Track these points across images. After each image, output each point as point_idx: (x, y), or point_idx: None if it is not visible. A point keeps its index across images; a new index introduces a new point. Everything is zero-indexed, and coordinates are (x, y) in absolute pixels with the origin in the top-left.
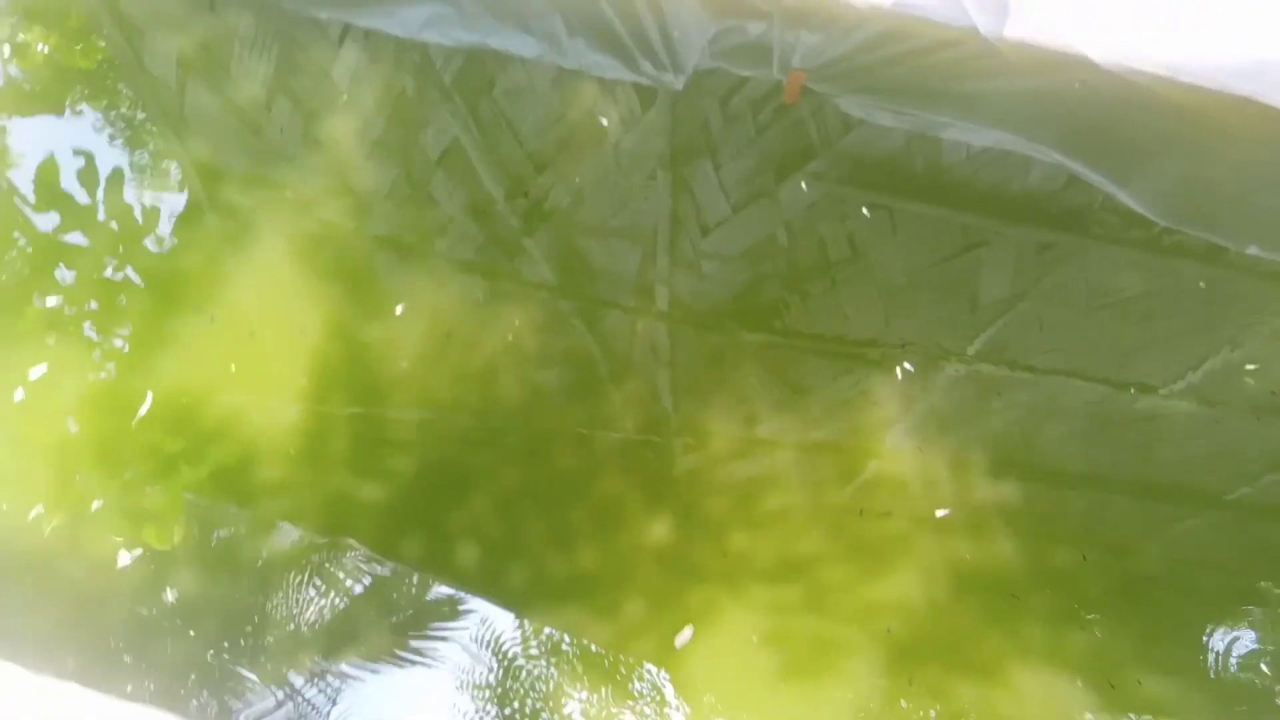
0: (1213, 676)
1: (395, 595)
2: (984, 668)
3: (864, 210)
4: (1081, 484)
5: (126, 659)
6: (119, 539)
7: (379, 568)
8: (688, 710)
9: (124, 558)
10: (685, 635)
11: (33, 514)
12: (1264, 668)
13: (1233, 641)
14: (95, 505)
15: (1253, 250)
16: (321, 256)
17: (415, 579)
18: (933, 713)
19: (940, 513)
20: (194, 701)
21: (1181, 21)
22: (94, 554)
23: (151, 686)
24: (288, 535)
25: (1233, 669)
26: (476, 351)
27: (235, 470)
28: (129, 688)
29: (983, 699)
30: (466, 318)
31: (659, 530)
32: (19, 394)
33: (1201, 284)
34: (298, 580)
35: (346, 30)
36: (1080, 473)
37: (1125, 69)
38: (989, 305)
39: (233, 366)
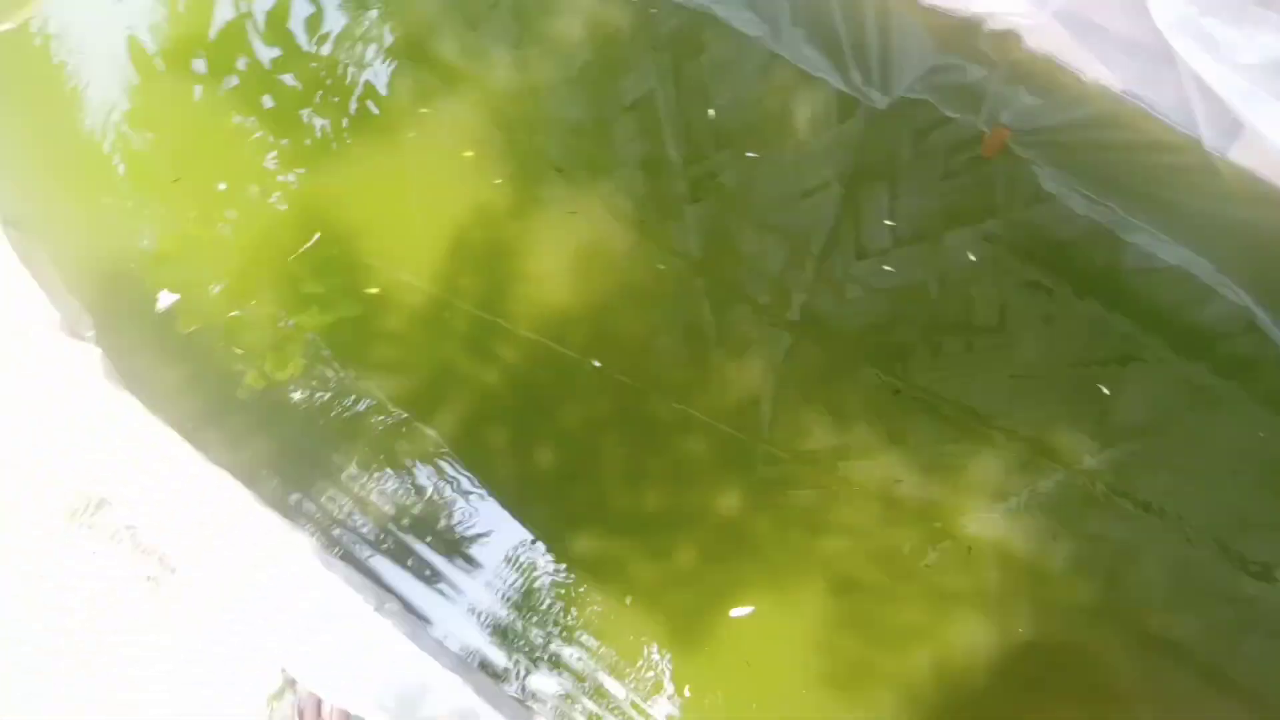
0: None
1: (454, 490)
2: None
3: (1025, 285)
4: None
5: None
6: (239, 351)
7: (450, 464)
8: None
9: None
10: (743, 611)
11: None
12: None
13: None
14: (233, 314)
15: None
16: (493, 155)
17: (481, 477)
18: None
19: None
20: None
21: None
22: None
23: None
24: (380, 407)
25: None
26: (602, 293)
27: (356, 327)
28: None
29: None
30: (605, 261)
31: (725, 502)
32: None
33: None
34: (370, 452)
35: None
36: (1158, 639)
37: None
38: (1121, 426)
39: (386, 236)
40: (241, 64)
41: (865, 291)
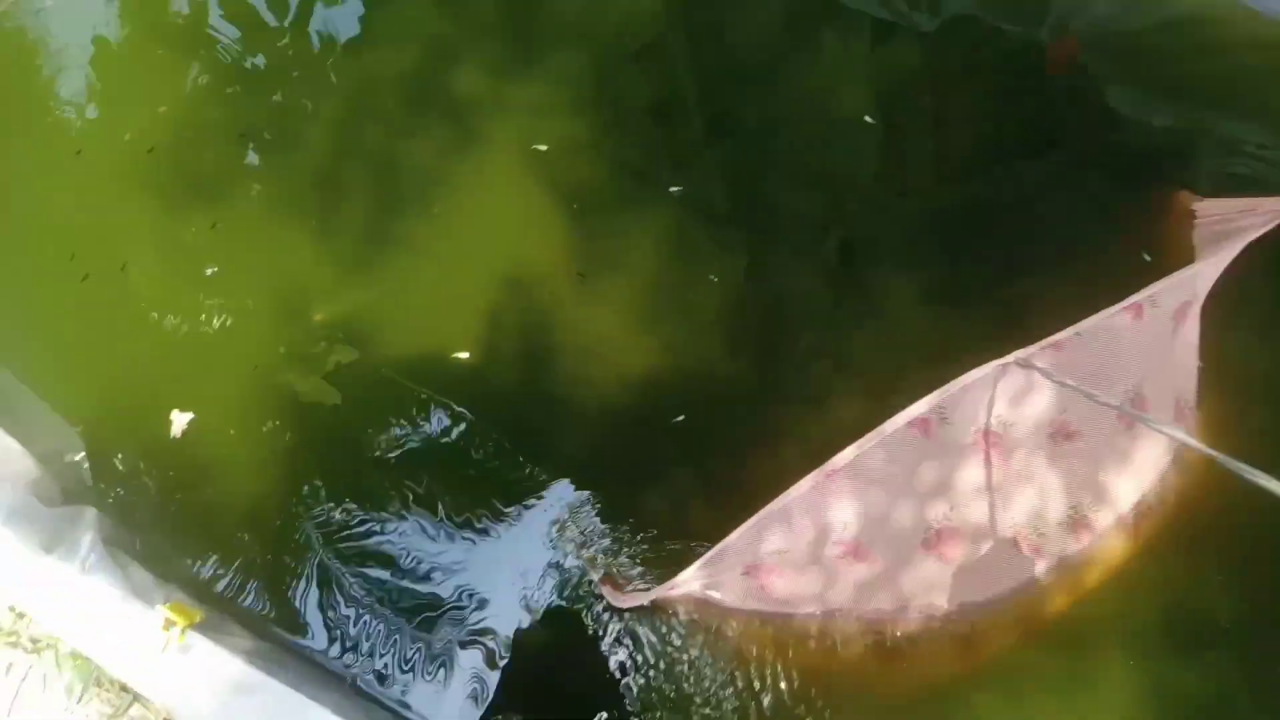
0: None
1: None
2: None
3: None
4: None
5: None
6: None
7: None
8: None
9: None
10: None
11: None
12: None
13: None
14: None
15: None
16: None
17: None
18: None
19: None
20: None
21: None
22: None
23: None
24: None
25: None
26: (626, 249)
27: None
28: None
29: None
30: (623, 219)
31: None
32: None
33: None
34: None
35: None
36: None
37: None
38: None
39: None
40: None
41: (905, 227)
